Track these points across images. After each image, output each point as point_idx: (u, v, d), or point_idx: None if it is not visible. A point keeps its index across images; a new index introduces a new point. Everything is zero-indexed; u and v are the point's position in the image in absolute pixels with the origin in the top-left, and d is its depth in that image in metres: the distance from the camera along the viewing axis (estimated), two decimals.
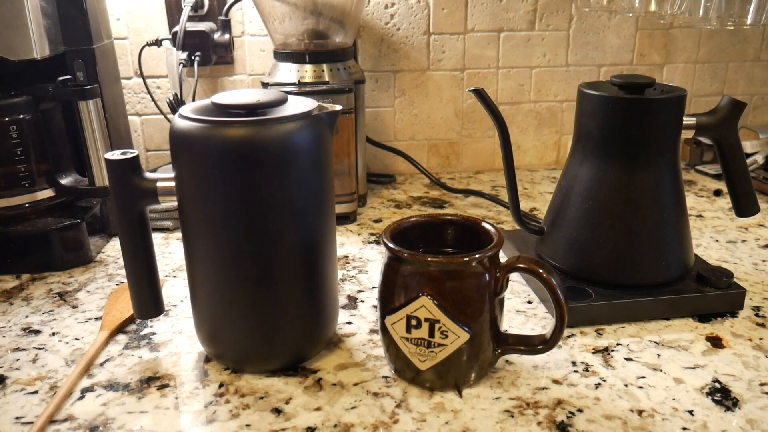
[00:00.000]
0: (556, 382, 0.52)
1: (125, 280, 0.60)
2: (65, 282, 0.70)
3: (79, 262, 0.73)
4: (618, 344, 0.58)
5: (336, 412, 0.49)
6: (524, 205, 0.93)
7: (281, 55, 0.86)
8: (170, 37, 0.92)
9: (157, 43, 0.92)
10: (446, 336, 0.48)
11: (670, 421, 0.48)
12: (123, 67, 0.97)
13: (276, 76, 0.85)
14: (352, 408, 0.49)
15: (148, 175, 0.51)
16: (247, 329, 0.52)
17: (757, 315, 0.63)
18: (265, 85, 0.84)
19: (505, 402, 0.50)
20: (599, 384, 0.52)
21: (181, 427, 0.48)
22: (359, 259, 0.76)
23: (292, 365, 0.55)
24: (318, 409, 0.49)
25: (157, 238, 0.82)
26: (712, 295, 0.62)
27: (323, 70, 0.85)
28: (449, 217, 0.56)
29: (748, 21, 0.79)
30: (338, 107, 0.52)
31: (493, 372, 0.54)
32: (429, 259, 0.48)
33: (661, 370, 0.54)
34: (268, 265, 0.50)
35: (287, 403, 0.50)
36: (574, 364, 0.55)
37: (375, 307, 0.65)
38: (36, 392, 0.52)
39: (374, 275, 0.72)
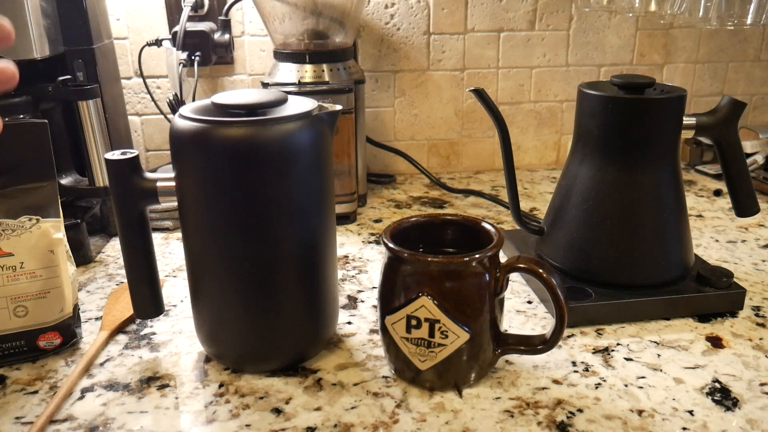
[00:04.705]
0: (556, 382, 0.52)
1: (125, 280, 0.60)
2: None
3: (79, 262, 0.73)
4: (618, 344, 0.58)
5: (336, 412, 0.49)
6: (524, 205, 0.93)
7: (281, 55, 0.86)
8: (170, 37, 0.92)
9: (157, 43, 0.92)
10: (446, 336, 0.48)
11: (670, 421, 0.48)
12: (123, 67, 0.97)
13: (276, 76, 0.85)
14: (352, 408, 0.49)
15: (148, 175, 0.51)
16: (248, 329, 0.52)
17: (757, 315, 0.63)
18: (265, 85, 0.84)
19: (505, 402, 0.50)
20: (599, 384, 0.52)
21: (181, 427, 0.48)
22: (359, 259, 0.76)
23: (292, 365, 0.55)
24: (318, 409, 0.49)
25: (157, 238, 0.82)
26: (712, 295, 0.62)
27: (323, 70, 0.85)
28: (449, 217, 0.56)
29: (748, 21, 0.79)
30: (338, 107, 0.52)
31: (493, 372, 0.54)
32: (429, 259, 0.48)
33: (661, 370, 0.54)
34: (268, 265, 0.50)
35: (287, 403, 0.50)
36: (574, 364, 0.55)
37: (375, 307, 0.65)
38: (36, 392, 0.52)
39: (374, 275, 0.72)
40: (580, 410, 0.49)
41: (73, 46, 0.74)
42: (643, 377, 0.53)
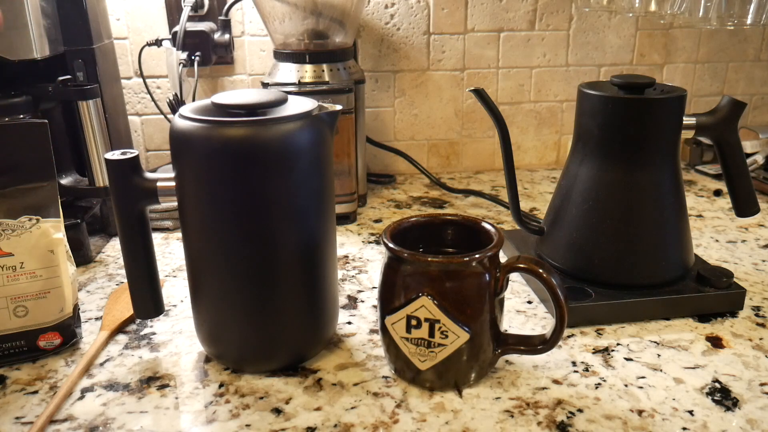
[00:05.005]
0: (556, 382, 0.52)
1: (125, 280, 0.60)
2: None
3: (79, 262, 0.73)
4: (618, 344, 0.58)
5: (336, 412, 0.49)
6: (524, 205, 0.93)
7: (281, 55, 0.86)
8: (170, 37, 0.92)
9: (157, 43, 0.92)
10: (446, 336, 0.48)
11: (670, 421, 0.48)
12: (123, 67, 0.97)
13: (276, 76, 0.85)
14: (352, 408, 0.49)
15: (148, 175, 0.51)
16: (247, 329, 0.52)
17: (757, 315, 0.63)
18: (265, 85, 0.84)
19: (505, 402, 0.50)
20: (599, 384, 0.52)
21: (181, 427, 0.48)
22: (359, 259, 0.76)
23: (292, 365, 0.55)
24: (318, 409, 0.49)
25: (157, 238, 0.82)
26: (712, 295, 0.62)
27: (323, 70, 0.85)
28: (449, 217, 0.56)
29: (748, 21, 0.79)
30: (338, 107, 0.53)
31: (493, 372, 0.54)
32: (429, 259, 0.48)
33: (661, 370, 0.54)
34: (268, 265, 0.50)
35: (287, 403, 0.50)
36: (574, 364, 0.55)
37: (375, 307, 0.65)
38: (36, 392, 0.52)
39: (374, 275, 0.72)
40: (580, 410, 0.49)
41: (73, 46, 0.74)
42: (643, 377, 0.53)
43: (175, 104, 0.90)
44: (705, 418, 0.48)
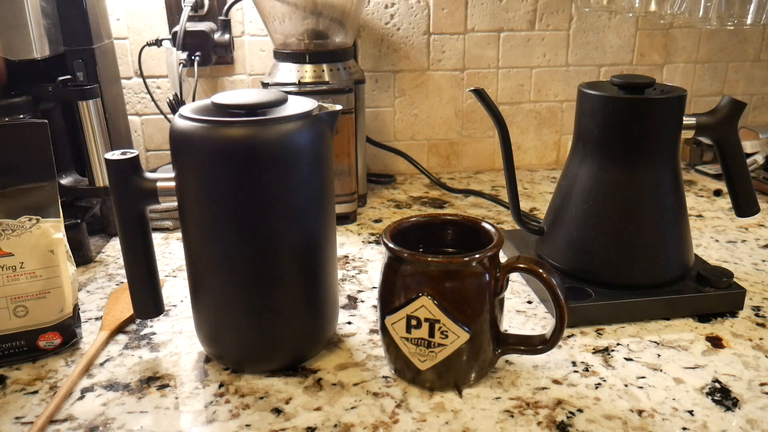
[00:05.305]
0: (556, 382, 0.52)
1: (125, 280, 0.60)
2: None
3: (79, 262, 0.73)
4: (618, 344, 0.58)
5: (336, 412, 0.49)
6: (524, 205, 0.93)
7: (281, 55, 0.86)
8: (170, 37, 0.92)
9: (157, 43, 0.92)
10: (446, 336, 0.48)
11: (670, 421, 0.48)
12: (123, 67, 0.97)
13: (276, 76, 0.85)
14: (352, 408, 0.49)
15: (148, 175, 0.51)
16: (247, 329, 0.52)
17: (757, 315, 0.63)
18: (265, 85, 0.84)
19: (505, 402, 0.50)
20: (599, 384, 0.52)
21: (181, 427, 0.48)
22: (359, 259, 0.76)
23: (292, 365, 0.55)
24: (318, 409, 0.49)
25: (157, 238, 0.82)
26: (712, 295, 0.62)
27: (323, 70, 0.85)
28: (449, 217, 0.56)
29: (748, 21, 0.79)
30: (338, 107, 0.53)
31: (493, 372, 0.54)
32: (429, 259, 0.48)
33: (661, 370, 0.54)
34: (268, 265, 0.50)
35: (287, 403, 0.50)
36: (574, 364, 0.55)
37: (375, 307, 0.65)
38: (36, 392, 0.52)
39: (374, 275, 0.72)
40: (580, 410, 0.49)
41: (73, 46, 0.74)
42: (643, 377, 0.53)
43: (175, 104, 0.90)
44: (705, 418, 0.48)
